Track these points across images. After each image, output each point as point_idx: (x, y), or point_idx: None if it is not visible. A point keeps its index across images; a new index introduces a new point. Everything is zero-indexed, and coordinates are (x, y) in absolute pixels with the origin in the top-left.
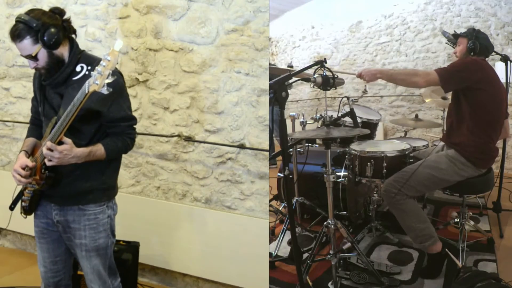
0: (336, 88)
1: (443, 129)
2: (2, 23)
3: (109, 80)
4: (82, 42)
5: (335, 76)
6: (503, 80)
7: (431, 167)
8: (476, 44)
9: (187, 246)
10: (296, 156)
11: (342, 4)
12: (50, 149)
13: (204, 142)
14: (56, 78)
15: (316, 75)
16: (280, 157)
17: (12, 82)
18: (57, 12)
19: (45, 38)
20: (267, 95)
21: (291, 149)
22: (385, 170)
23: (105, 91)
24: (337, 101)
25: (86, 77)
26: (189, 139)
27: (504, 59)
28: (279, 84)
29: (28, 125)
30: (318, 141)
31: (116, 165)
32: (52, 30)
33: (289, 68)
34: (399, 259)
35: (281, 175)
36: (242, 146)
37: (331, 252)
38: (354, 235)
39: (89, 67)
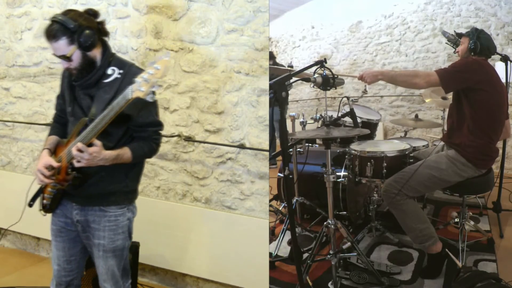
0: (336, 88)
1: (443, 129)
2: (2, 23)
3: (156, 88)
4: None
5: (335, 76)
6: (503, 80)
7: (431, 167)
8: (477, 44)
9: (187, 246)
10: (296, 156)
11: (342, 4)
12: (80, 151)
13: (204, 142)
14: (88, 80)
15: (316, 75)
16: (280, 157)
17: (12, 82)
18: (92, 14)
19: (81, 40)
20: (267, 95)
21: (291, 149)
22: (385, 170)
23: (149, 99)
24: (337, 101)
25: (117, 80)
26: (189, 139)
27: (504, 59)
28: (279, 84)
29: (19, 125)
30: (318, 141)
31: (140, 169)
32: (88, 32)
33: (289, 68)
34: (399, 259)
35: (281, 175)
36: (242, 146)
37: (331, 252)
38: (354, 235)
39: (120, 71)
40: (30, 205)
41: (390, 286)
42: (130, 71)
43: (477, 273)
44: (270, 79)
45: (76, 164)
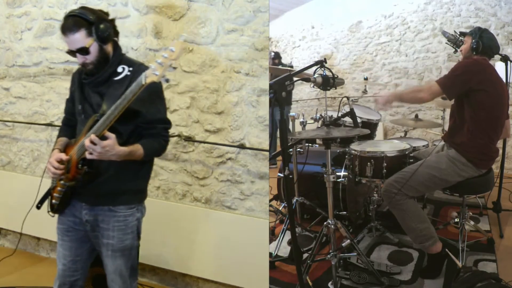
0: (336, 88)
1: (443, 129)
2: (2, 23)
3: (171, 70)
4: None
5: (335, 76)
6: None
7: (431, 167)
8: (479, 43)
9: (187, 246)
10: (296, 156)
11: (342, 4)
12: (93, 143)
13: (204, 142)
14: (99, 77)
15: (316, 75)
16: (280, 157)
17: (12, 82)
18: (105, 13)
19: (99, 32)
20: (267, 95)
21: (291, 149)
22: (385, 170)
23: (164, 81)
24: (337, 101)
25: (127, 77)
26: (189, 139)
27: (504, 59)
28: (279, 84)
29: (19, 125)
30: (318, 141)
31: (149, 168)
32: (106, 24)
33: (289, 68)
34: (399, 259)
35: (281, 175)
36: (242, 146)
37: (331, 252)
38: (354, 235)
39: (130, 68)
40: (38, 207)
41: (390, 286)
42: (139, 69)
43: (477, 273)
44: (271, 79)
45: (88, 156)
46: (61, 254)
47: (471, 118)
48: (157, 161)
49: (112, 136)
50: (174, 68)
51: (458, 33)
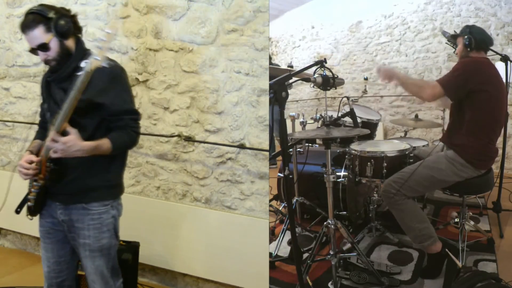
0: (336, 88)
1: (443, 129)
2: (2, 23)
3: (110, 53)
4: None
5: (335, 76)
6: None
7: (430, 167)
8: (471, 38)
9: (187, 246)
10: (296, 156)
11: (342, 4)
12: (54, 140)
13: (204, 142)
14: (62, 73)
15: (316, 75)
16: (280, 157)
17: (12, 82)
18: (66, 9)
19: (57, 27)
20: (267, 95)
21: (291, 149)
22: (385, 170)
23: (106, 65)
24: (337, 101)
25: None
26: (189, 139)
27: (504, 59)
28: (279, 84)
29: (19, 125)
30: (318, 141)
31: (122, 162)
32: (65, 19)
33: (289, 68)
34: (399, 259)
35: (281, 175)
36: (242, 146)
37: (331, 252)
38: (354, 235)
39: None
40: (18, 212)
41: (390, 286)
42: None
43: (477, 273)
44: (270, 79)
45: (53, 155)
46: (44, 256)
47: (470, 119)
48: (157, 161)
49: (73, 131)
50: (111, 48)
51: (451, 37)
